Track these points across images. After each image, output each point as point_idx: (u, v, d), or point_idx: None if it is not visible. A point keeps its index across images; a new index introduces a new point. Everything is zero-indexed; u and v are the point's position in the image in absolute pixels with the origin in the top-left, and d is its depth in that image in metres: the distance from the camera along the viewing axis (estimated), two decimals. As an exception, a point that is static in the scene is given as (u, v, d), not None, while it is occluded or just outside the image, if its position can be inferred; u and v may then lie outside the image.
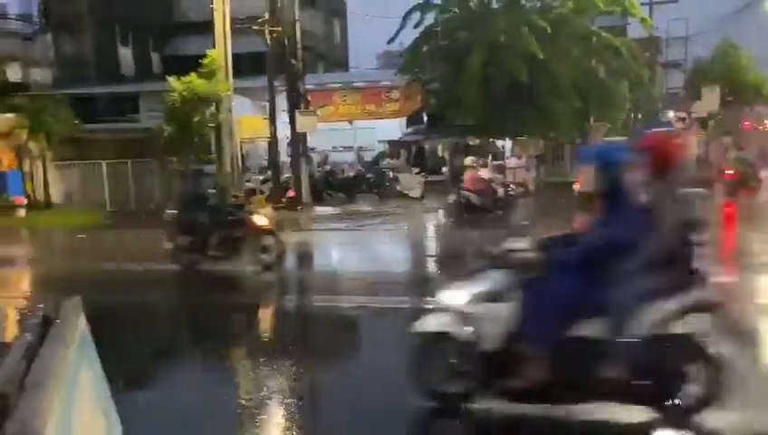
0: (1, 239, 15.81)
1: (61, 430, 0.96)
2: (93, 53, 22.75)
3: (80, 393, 1.20)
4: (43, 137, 19.60)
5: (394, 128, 24.39)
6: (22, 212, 19.55)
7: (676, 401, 3.64)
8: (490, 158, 20.91)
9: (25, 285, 10.76)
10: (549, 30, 20.35)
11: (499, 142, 24.32)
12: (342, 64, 34.11)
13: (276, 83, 18.89)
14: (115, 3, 22.54)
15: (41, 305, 1.44)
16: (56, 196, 20.59)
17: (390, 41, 22.90)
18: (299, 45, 18.72)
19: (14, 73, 20.55)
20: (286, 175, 19.75)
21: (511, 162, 21.57)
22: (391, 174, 20.89)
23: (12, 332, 6.93)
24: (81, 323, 1.39)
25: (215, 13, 17.32)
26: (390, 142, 24.86)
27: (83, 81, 21.43)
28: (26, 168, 20.96)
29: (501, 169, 19.24)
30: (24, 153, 20.65)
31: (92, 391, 1.31)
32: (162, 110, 18.43)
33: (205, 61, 17.37)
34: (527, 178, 20.49)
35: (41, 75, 21.25)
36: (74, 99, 20.10)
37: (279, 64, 18.64)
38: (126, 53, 23.24)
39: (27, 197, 20.49)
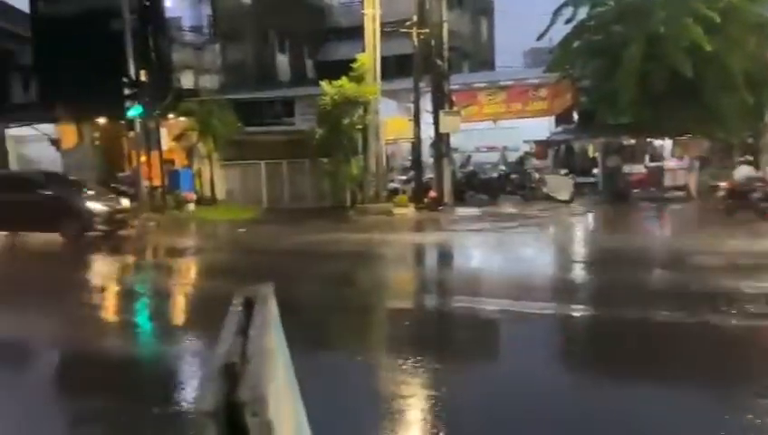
0: (175, 231, 17.61)
1: (275, 399, 1.03)
2: (254, 61, 24.52)
3: (281, 370, 1.28)
4: (211, 139, 21.44)
5: (541, 127, 23.65)
6: (191, 207, 21.58)
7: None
8: (647, 159, 19.59)
9: (203, 271, 11.83)
10: (717, 20, 18.60)
11: (657, 142, 22.69)
12: (488, 63, 33.73)
13: (421, 84, 19.14)
14: (274, 13, 24.10)
15: (240, 289, 1.55)
16: (220, 192, 22.44)
17: (540, 37, 22.20)
18: (445, 46, 18.80)
19: (187, 81, 22.73)
20: (429, 175, 19.93)
21: (670, 164, 20.05)
22: (537, 175, 20.29)
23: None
24: (275, 308, 1.48)
25: (365, 18, 17.92)
26: (537, 142, 24.14)
27: (245, 86, 23.17)
28: (196, 167, 23.09)
29: (659, 172, 17.99)
30: (194, 154, 22.75)
31: (285, 371, 1.39)
32: (315, 113, 19.40)
33: (355, 65, 18.02)
34: (689, 181, 18.95)
35: (209, 82, 23.32)
36: (237, 103, 21.80)
37: (425, 65, 18.87)
38: (283, 60, 24.80)
39: (196, 193, 22.57)
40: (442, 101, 18.70)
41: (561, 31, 21.72)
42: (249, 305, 1.41)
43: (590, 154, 24.21)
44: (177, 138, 22.77)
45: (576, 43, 21.85)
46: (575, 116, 24.28)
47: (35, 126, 25.69)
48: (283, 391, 1.21)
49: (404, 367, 5.32)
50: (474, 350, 6.24)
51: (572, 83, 22.82)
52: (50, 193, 14.82)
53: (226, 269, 11.60)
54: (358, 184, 18.98)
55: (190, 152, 23.15)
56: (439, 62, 18.44)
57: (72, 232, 14.46)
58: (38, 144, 26.48)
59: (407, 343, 6.35)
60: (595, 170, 21.71)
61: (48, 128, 25.73)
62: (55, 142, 25.57)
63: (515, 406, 4.58)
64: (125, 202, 16.87)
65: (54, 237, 14.49)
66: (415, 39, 18.40)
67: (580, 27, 21.65)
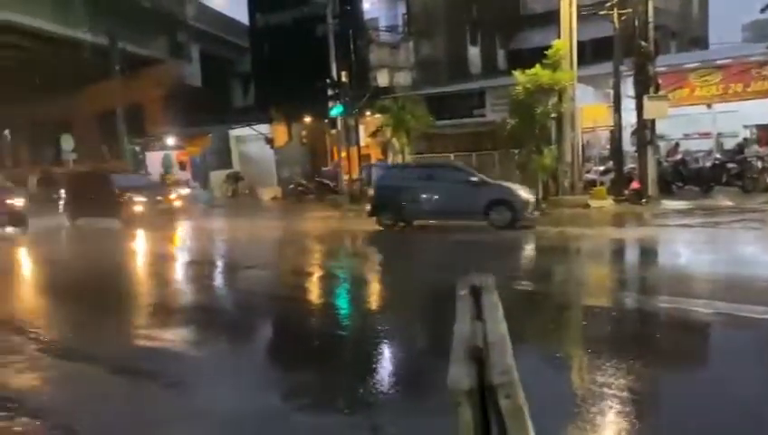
0: (370, 221, 18.47)
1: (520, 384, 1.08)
2: (445, 55, 24.87)
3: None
4: (404, 134, 22.23)
5: (764, 110, 20.81)
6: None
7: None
8: None
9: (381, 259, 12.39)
10: None
11: None
12: (700, 41, 30.46)
13: (623, 68, 17.92)
14: (467, 6, 24.23)
15: (463, 277, 1.63)
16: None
17: (764, 9, 19.52)
18: (650, 25, 17.36)
19: (382, 79, 23.80)
20: (630, 165, 18.62)
21: None
22: (760, 164, 17.93)
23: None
24: (497, 297, 1.53)
25: (561, 2, 17.24)
26: (760, 127, 21.27)
27: (437, 81, 23.62)
28: (390, 161, 24.12)
29: None
30: (389, 148, 23.79)
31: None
32: (506, 103, 19.15)
33: (549, 52, 17.44)
34: None
35: (403, 78, 24.16)
36: (429, 98, 22.31)
37: (626, 48, 17.63)
38: (474, 52, 24.84)
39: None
40: (646, 84, 17.30)
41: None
42: (475, 293, 1.48)
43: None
44: (373, 134, 24.00)
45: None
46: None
47: (253, 127, 28.81)
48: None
49: (604, 367, 5.10)
50: (681, 353, 5.75)
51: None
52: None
53: (410, 258, 12.01)
54: (551, 175, 18.36)
55: (385, 147, 24.26)
56: (643, 42, 17.08)
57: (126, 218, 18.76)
58: (255, 143, 29.70)
59: (607, 342, 6.05)
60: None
61: (264, 128, 28.68)
62: (269, 141, 28.43)
63: (725, 416, 4.15)
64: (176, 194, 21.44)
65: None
66: (615, 20, 17.28)
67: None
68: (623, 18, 17.20)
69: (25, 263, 14.35)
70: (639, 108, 17.26)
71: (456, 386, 1.02)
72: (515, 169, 19.60)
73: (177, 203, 20.91)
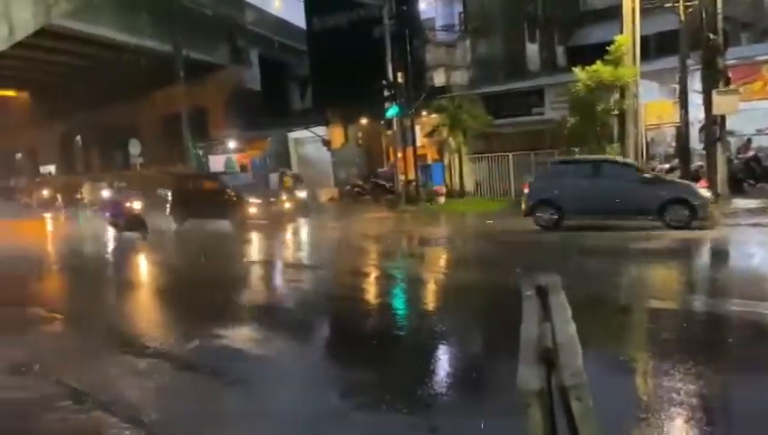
0: (426, 221, 18.57)
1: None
2: (503, 54, 24.55)
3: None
4: (460, 133, 22.10)
5: None
6: (441, 199, 22.56)
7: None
8: None
9: (452, 260, 12.34)
10: None
11: None
12: (774, 31, 28.89)
13: (689, 62, 17.25)
14: (525, 3, 23.89)
15: (527, 278, 1.60)
16: (469, 185, 23.03)
17: None
18: (719, 16, 16.64)
19: (439, 78, 23.73)
20: (697, 163, 17.91)
21: None
22: (844, 161, 16.92)
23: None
24: (564, 297, 1.50)
25: (623, -4, 16.77)
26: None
27: (494, 80, 23.35)
28: (446, 161, 24.03)
29: None
30: (445, 148, 23.70)
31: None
32: (566, 101, 18.77)
33: (611, 47, 16.98)
34: None
35: (459, 78, 24.01)
36: (487, 97, 22.09)
37: (693, 41, 16.95)
38: (532, 50, 24.42)
39: (446, 186, 23.51)
40: (715, 78, 16.59)
41: None
42: (541, 293, 1.46)
43: None
44: (429, 134, 23.97)
45: None
46: None
47: (311, 129, 29.25)
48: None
49: (672, 372, 4.93)
50: (753, 358, 5.47)
51: None
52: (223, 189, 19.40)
53: (476, 259, 11.93)
54: (613, 174, 17.85)
55: (441, 147, 24.17)
56: (712, 35, 16.39)
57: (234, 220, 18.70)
58: (313, 145, 30.14)
59: (674, 346, 5.83)
60: None
61: (321, 130, 29.08)
62: (326, 143, 28.80)
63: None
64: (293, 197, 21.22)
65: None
66: (681, 12, 16.64)
67: None
68: (689, 10, 16.56)
69: (159, 271, 13.23)
70: (708, 103, 16.57)
71: (526, 387, 1.01)
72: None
73: (288, 205, 20.46)
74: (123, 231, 16.83)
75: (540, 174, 15.07)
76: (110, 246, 17.05)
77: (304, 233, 18.74)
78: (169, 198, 20.90)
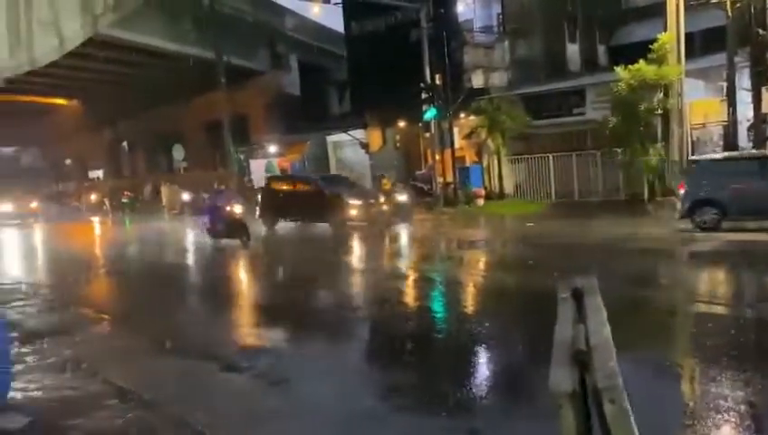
0: (466, 224, 18.46)
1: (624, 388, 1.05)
2: (542, 54, 24.22)
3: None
4: (499, 135, 21.90)
5: None
6: (480, 201, 22.39)
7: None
8: None
9: (494, 262, 12.25)
10: None
11: None
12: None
13: (737, 59, 16.74)
14: (565, 3, 23.56)
15: (565, 280, 1.59)
16: (508, 187, 22.80)
17: None
18: (768, 11, 16.12)
19: (477, 80, 23.56)
20: (747, 163, 17.32)
21: None
22: None
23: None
24: (600, 299, 1.48)
25: (667, -7, 16.39)
26: None
27: (533, 80, 23.08)
28: (485, 163, 23.85)
29: None
30: (484, 150, 23.53)
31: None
32: (607, 101, 18.43)
33: (654, 46, 16.61)
34: None
35: (498, 79, 23.79)
36: (526, 98, 21.85)
37: (741, 37, 16.45)
38: (572, 50, 24.03)
39: (485, 188, 23.33)
40: (765, 75, 16.07)
41: None
42: (577, 296, 1.45)
43: None
44: (468, 136, 23.84)
45: None
46: None
47: (349, 132, 29.44)
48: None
49: (719, 378, 4.79)
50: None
51: None
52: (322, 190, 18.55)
53: (517, 262, 11.80)
54: (657, 175, 17.46)
55: (480, 149, 24.01)
56: (761, 30, 15.88)
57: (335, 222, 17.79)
58: (351, 148, 30.34)
59: (722, 352, 5.66)
60: None
61: (359, 133, 29.23)
62: (365, 146, 28.93)
63: None
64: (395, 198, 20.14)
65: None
66: (728, 8, 16.16)
67: None
68: (737, 5, 16.08)
69: (263, 281, 11.99)
70: (757, 101, 16.07)
71: (558, 389, 1.00)
72: (618, 169, 18.83)
73: (386, 208, 19.19)
74: (222, 238, 15.30)
75: (695, 173, 13.42)
76: (196, 253, 16.18)
77: (406, 237, 17.18)
78: (258, 200, 19.91)
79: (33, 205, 31.27)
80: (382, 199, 19.45)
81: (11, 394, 5.24)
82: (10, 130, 53.39)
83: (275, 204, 19.17)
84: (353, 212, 17.91)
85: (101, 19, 4.01)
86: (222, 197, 16.24)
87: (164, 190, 32.18)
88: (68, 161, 56.33)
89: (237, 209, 15.41)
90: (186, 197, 29.14)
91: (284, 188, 20.01)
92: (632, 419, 0.98)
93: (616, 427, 0.92)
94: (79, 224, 28.75)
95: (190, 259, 15.83)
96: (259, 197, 20.44)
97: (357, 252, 15.06)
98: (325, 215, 17.98)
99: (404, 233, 17.62)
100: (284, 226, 19.53)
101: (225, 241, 15.30)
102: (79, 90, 39.57)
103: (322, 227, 18.15)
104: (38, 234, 25.54)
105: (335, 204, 17.84)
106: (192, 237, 19.45)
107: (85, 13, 3.98)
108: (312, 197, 18.49)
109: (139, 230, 24.60)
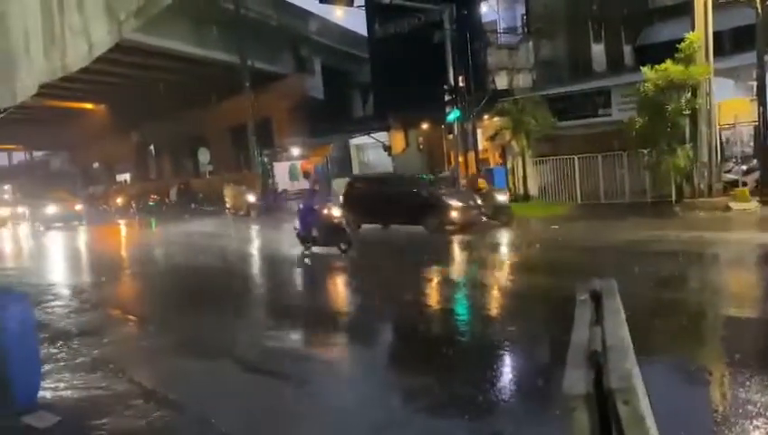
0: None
1: (641, 391, 1.03)
2: (567, 55, 24.05)
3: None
4: (523, 136, 21.72)
5: None
6: (504, 204, 22.17)
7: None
8: None
9: (522, 267, 12.13)
10: None
11: None
12: None
13: (767, 58, 16.39)
14: (590, 3, 23.34)
15: (583, 283, 1.57)
16: (533, 189, 22.60)
17: None
18: (801, 9, 15.76)
19: (501, 81, 23.45)
20: (778, 163, 16.95)
21: None
22: None
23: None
24: (619, 301, 1.47)
25: (694, -9, 16.12)
26: None
27: (558, 81, 22.90)
28: (509, 164, 23.68)
29: None
30: (508, 151, 23.35)
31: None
32: (634, 102, 18.17)
33: (682, 45, 16.33)
34: None
35: (522, 80, 23.66)
36: (551, 99, 21.65)
37: (772, 35, 16.11)
38: (598, 50, 23.81)
39: (509, 190, 23.13)
40: (796, 74, 15.72)
41: None
42: (596, 298, 1.43)
43: None
44: (492, 137, 23.69)
45: None
46: None
47: (372, 135, 29.51)
48: (640, 385, 1.20)
49: (748, 384, 4.69)
50: None
51: None
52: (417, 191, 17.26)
53: (543, 265, 11.67)
54: (685, 176, 17.14)
55: (504, 150, 23.84)
56: (792, 28, 15.54)
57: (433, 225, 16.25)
58: (374, 150, 30.42)
59: (751, 355, 5.55)
60: None
61: (382, 136, 29.29)
62: (387, 148, 28.96)
63: None
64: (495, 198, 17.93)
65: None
66: (758, 5, 15.84)
67: None
68: (767, 3, 15.75)
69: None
70: (790, 100, 15.70)
71: (572, 391, 0.99)
72: (645, 171, 18.54)
73: (484, 209, 17.53)
74: (319, 245, 13.49)
75: None
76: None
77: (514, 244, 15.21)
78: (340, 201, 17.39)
79: (78, 207, 30.66)
80: (479, 201, 17.50)
81: (40, 393, 5.36)
82: (41, 135, 54.72)
83: (360, 206, 17.33)
84: (454, 214, 16.28)
85: (125, 25, 4.09)
86: (315, 199, 14.54)
87: (227, 191, 29.75)
88: (96, 165, 57.46)
89: (336, 212, 13.72)
90: (252, 198, 28.02)
91: (371, 188, 18.72)
92: (648, 421, 0.97)
93: (630, 429, 0.91)
94: (123, 226, 28.99)
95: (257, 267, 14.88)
96: (341, 197, 18.22)
97: (474, 261, 13.21)
98: (421, 217, 16.51)
99: (508, 238, 15.66)
100: (369, 229, 17.69)
101: (316, 249, 13.56)
102: (106, 94, 40.37)
103: (414, 231, 16.45)
104: (85, 236, 25.43)
105: (433, 206, 16.44)
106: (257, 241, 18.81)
107: (111, 19, 4.06)
108: (405, 197, 17.09)
109: (189, 231, 23.43)
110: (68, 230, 26.87)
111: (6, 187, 47.16)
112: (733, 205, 15.78)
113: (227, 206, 29.28)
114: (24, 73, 4.31)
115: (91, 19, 4.18)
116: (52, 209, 28.97)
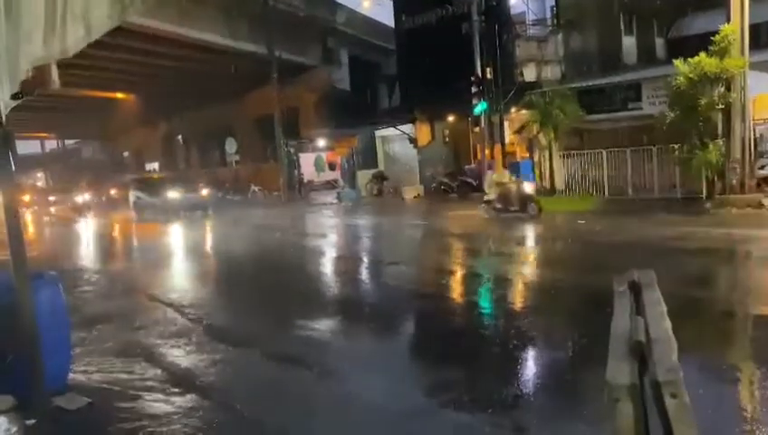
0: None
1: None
2: (597, 47, 23.65)
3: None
4: (551, 129, 21.46)
5: None
6: (531, 198, 21.95)
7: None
8: None
9: (545, 260, 12.03)
10: None
11: None
12: None
13: (808, 51, 15.95)
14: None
15: (622, 275, 1.54)
16: (559, 183, 22.34)
17: None
18: (842, 0, 15.26)
19: (529, 74, 23.16)
20: (815, 160, 16.51)
21: None
22: None
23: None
24: (658, 292, 1.43)
25: (731, -18, 15.71)
26: None
27: (587, 74, 22.54)
28: (536, 158, 23.44)
29: None
30: (535, 145, 23.11)
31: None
32: (665, 95, 17.83)
33: (716, 38, 15.95)
34: None
35: (551, 73, 23.34)
36: (580, 92, 21.34)
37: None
38: (629, 42, 23.36)
39: (535, 184, 22.90)
40: (836, 68, 15.25)
41: None
42: (634, 289, 1.40)
43: None
44: (518, 130, 23.46)
45: None
46: None
47: (398, 127, 29.44)
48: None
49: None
50: None
51: None
52: None
53: (569, 260, 11.56)
54: (717, 172, 16.79)
55: (530, 144, 23.60)
56: (833, 21, 15.06)
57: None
58: (399, 142, 30.35)
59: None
60: None
61: (408, 128, 29.20)
62: (413, 140, 28.88)
63: None
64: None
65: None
66: (798, -3, 15.39)
67: None
68: (807, -6, 15.29)
69: None
70: (828, 95, 15.24)
71: (616, 381, 0.97)
72: (674, 166, 18.21)
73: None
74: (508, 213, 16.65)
75: None
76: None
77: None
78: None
79: (204, 192, 26.03)
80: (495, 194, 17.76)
81: (71, 376, 5.47)
82: (73, 124, 55.76)
83: None
84: None
85: (130, 9, 4.11)
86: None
87: (490, 179, 25.24)
88: (126, 154, 58.41)
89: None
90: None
91: None
92: (692, 413, 0.95)
93: (678, 422, 0.88)
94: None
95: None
96: None
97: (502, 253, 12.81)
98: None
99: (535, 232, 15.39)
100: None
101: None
102: (136, 84, 40.83)
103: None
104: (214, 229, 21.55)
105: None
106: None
107: (114, 1, 4.08)
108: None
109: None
110: (194, 221, 22.77)
111: (39, 174, 48.09)
112: (766, 202, 15.42)
113: (490, 198, 22.54)
114: (23, 59, 4.29)
115: (92, 3, 4.18)
116: (174, 194, 24.22)
